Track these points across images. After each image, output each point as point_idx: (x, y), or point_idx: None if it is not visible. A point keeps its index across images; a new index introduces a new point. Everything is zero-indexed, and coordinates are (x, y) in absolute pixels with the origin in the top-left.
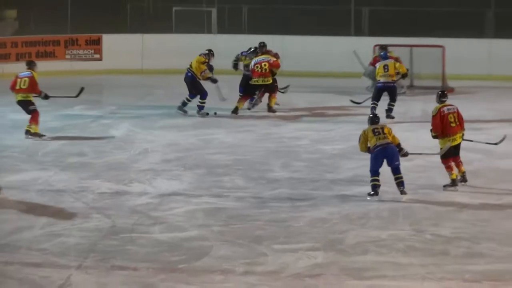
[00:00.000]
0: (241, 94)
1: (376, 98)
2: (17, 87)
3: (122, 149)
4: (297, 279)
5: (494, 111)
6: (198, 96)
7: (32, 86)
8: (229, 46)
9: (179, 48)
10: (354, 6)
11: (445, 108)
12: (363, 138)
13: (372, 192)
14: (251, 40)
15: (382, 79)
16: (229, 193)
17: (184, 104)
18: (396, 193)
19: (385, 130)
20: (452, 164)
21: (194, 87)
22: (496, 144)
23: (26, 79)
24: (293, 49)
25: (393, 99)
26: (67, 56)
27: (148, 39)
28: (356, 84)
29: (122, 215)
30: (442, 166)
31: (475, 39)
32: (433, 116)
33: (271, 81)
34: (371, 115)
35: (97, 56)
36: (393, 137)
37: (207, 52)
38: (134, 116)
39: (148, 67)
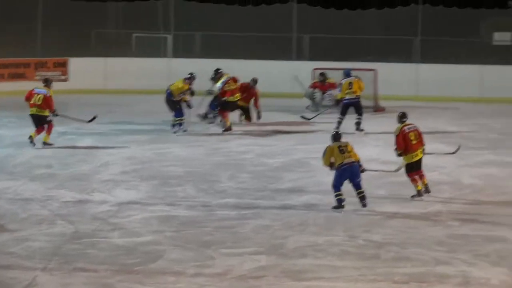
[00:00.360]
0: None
1: (343, 113)
2: (32, 101)
3: (85, 162)
4: (242, 280)
5: (422, 128)
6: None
7: (47, 103)
8: (183, 69)
9: (138, 70)
10: (297, 33)
11: (406, 128)
12: (328, 154)
13: (337, 205)
14: (203, 64)
15: (347, 96)
16: (181, 202)
17: (173, 126)
18: (332, 203)
19: (349, 148)
20: (417, 177)
21: (172, 106)
22: (453, 153)
23: (41, 96)
24: (241, 73)
25: (359, 113)
26: (36, 77)
27: (111, 62)
28: (297, 104)
29: (84, 221)
30: (375, 177)
31: (404, 64)
32: (396, 136)
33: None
34: (334, 133)
35: (64, 77)
36: (354, 154)
37: (189, 76)
38: (97, 132)
39: (111, 88)
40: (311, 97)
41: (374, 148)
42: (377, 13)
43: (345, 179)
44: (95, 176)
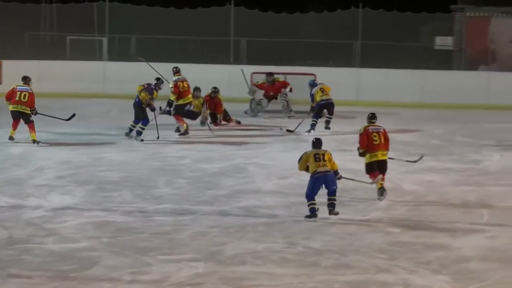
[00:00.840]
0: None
1: (318, 115)
2: (17, 99)
3: (20, 166)
4: (180, 287)
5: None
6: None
7: (32, 101)
8: (118, 72)
9: (73, 74)
10: (233, 37)
11: (370, 127)
12: (304, 160)
13: (310, 214)
14: (139, 67)
15: (324, 97)
16: (118, 207)
17: (130, 130)
18: (271, 209)
19: (326, 157)
20: (373, 175)
21: (141, 112)
22: (415, 161)
23: (26, 93)
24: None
25: (331, 112)
26: None
27: (45, 65)
28: (234, 107)
29: (19, 227)
30: None
31: (344, 68)
32: (360, 134)
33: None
34: (314, 140)
35: None
36: (333, 163)
37: (156, 82)
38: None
39: (45, 91)
40: (252, 94)
41: None
42: (316, 16)
43: (319, 188)
44: (29, 181)
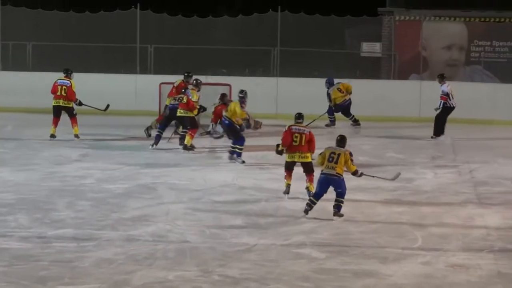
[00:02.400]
0: None
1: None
2: (58, 93)
3: None
4: None
5: None
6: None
7: (71, 94)
8: (13, 83)
9: None
10: (140, 43)
11: (293, 127)
12: (323, 156)
13: (304, 208)
14: (36, 77)
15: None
16: (13, 232)
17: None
18: (183, 233)
19: (340, 159)
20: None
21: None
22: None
23: (65, 87)
24: (79, 86)
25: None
26: None
27: None
28: (139, 122)
29: None
30: (229, 206)
31: (262, 77)
32: (284, 131)
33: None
34: (338, 137)
35: None
36: (349, 165)
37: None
38: None
39: None
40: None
41: (229, 173)
42: (231, 20)
43: (324, 188)
44: None
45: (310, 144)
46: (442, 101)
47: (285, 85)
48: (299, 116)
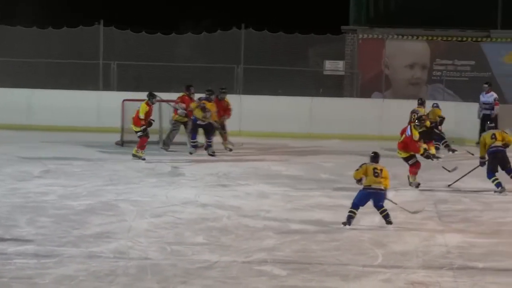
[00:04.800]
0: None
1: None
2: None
3: None
4: None
5: (242, 168)
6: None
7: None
8: None
9: None
10: (103, 60)
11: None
12: (362, 171)
13: (345, 221)
14: None
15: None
16: None
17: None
18: (144, 250)
19: (383, 173)
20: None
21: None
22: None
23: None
24: (42, 103)
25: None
26: None
27: None
28: (104, 139)
29: None
30: (190, 223)
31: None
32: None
33: None
34: (372, 154)
35: None
36: (386, 181)
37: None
38: None
39: None
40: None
41: (191, 190)
42: (194, 38)
43: (367, 201)
44: None
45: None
46: None
47: (248, 102)
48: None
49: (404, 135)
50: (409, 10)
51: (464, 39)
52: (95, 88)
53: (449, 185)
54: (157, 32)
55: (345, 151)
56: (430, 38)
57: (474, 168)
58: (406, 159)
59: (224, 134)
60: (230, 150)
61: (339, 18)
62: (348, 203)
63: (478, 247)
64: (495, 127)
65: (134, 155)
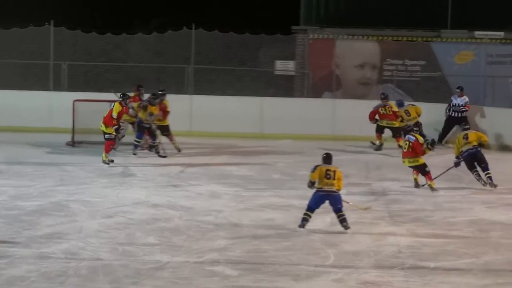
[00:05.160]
0: None
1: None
2: None
3: None
4: None
5: (194, 168)
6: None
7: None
8: None
9: None
10: (53, 60)
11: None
12: (317, 173)
13: (301, 224)
14: None
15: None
16: None
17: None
18: (95, 251)
19: (336, 175)
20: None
21: None
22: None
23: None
24: None
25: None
26: None
27: None
28: (55, 139)
29: None
30: (142, 224)
31: (176, 95)
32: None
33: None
34: (324, 155)
35: None
36: (340, 183)
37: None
38: None
39: None
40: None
41: (143, 190)
42: (145, 38)
43: (320, 204)
44: None
45: (416, 148)
46: None
47: (199, 102)
48: (416, 125)
49: (407, 143)
50: (360, 11)
51: (415, 39)
52: (46, 88)
53: (422, 185)
54: (108, 32)
55: (296, 151)
56: (380, 38)
57: (449, 169)
58: (420, 168)
59: (169, 136)
60: (179, 150)
61: (289, 18)
62: (299, 203)
63: (429, 246)
64: (469, 128)
65: (104, 161)
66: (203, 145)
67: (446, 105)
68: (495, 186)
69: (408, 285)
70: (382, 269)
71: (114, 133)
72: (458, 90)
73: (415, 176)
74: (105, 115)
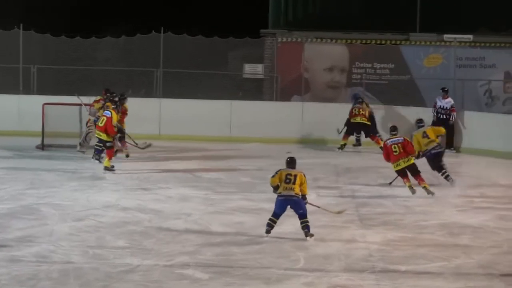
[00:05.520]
0: None
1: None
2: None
3: None
4: None
5: (163, 171)
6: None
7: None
8: None
9: None
10: (23, 64)
11: (389, 141)
12: (277, 177)
13: (266, 228)
14: None
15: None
16: None
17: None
18: (66, 254)
19: (297, 180)
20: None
21: None
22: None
23: (104, 118)
24: None
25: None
26: None
27: None
28: (25, 143)
29: None
30: (112, 227)
31: (145, 99)
32: (384, 147)
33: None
34: (288, 159)
35: None
36: (304, 187)
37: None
38: None
39: None
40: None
41: (113, 193)
42: (114, 41)
43: (284, 209)
44: None
45: (407, 148)
46: None
47: (168, 106)
48: (394, 129)
49: (397, 145)
50: (328, 14)
51: (383, 42)
52: (15, 91)
53: (389, 183)
54: (77, 35)
55: (265, 154)
56: (349, 41)
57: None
58: (412, 168)
59: (123, 140)
60: (127, 156)
61: (258, 21)
62: (270, 206)
63: (400, 250)
64: (423, 125)
65: (106, 168)
66: (172, 149)
67: (414, 107)
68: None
69: None
70: (353, 272)
71: (111, 140)
72: (442, 92)
73: (408, 183)
74: (99, 124)
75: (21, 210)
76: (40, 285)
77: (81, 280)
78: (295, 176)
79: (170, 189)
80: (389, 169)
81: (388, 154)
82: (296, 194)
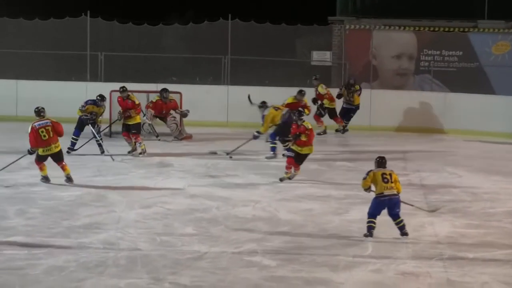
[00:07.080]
0: None
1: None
2: None
3: None
4: None
5: (230, 159)
6: None
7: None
8: None
9: None
10: (90, 51)
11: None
12: (370, 179)
13: (366, 233)
14: None
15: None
16: None
17: None
18: (134, 241)
19: (393, 178)
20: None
21: None
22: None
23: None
24: (28, 94)
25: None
26: None
27: None
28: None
29: None
30: (180, 214)
31: (213, 86)
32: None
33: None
34: (378, 159)
35: None
36: (398, 184)
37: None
38: None
39: None
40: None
41: (180, 181)
42: (181, 29)
43: (382, 209)
44: None
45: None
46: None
47: (235, 93)
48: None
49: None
50: (396, 1)
51: (452, 29)
52: (82, 79)
53: (228, 154)
54: (144, 23)
55: (333, 142)
56: (417, 28)
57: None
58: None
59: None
60: (133, 150)
61: (326, 9)
62: (337, 193)
63: (468, 237)
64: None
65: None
66: (239, 136)
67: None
68: None
69: (447, 275)
70: (421, 259)
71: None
72: None
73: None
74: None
75: (89, 197)
76: (107, 271)
77: (148, 267)
78: (390, 174)
79: (238, 176)
80: (456, 157)
81: None
82: (397, 192)
